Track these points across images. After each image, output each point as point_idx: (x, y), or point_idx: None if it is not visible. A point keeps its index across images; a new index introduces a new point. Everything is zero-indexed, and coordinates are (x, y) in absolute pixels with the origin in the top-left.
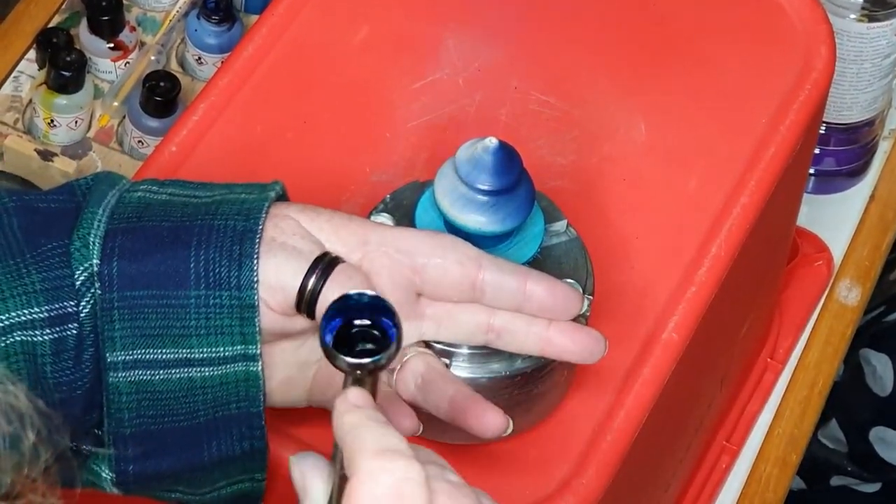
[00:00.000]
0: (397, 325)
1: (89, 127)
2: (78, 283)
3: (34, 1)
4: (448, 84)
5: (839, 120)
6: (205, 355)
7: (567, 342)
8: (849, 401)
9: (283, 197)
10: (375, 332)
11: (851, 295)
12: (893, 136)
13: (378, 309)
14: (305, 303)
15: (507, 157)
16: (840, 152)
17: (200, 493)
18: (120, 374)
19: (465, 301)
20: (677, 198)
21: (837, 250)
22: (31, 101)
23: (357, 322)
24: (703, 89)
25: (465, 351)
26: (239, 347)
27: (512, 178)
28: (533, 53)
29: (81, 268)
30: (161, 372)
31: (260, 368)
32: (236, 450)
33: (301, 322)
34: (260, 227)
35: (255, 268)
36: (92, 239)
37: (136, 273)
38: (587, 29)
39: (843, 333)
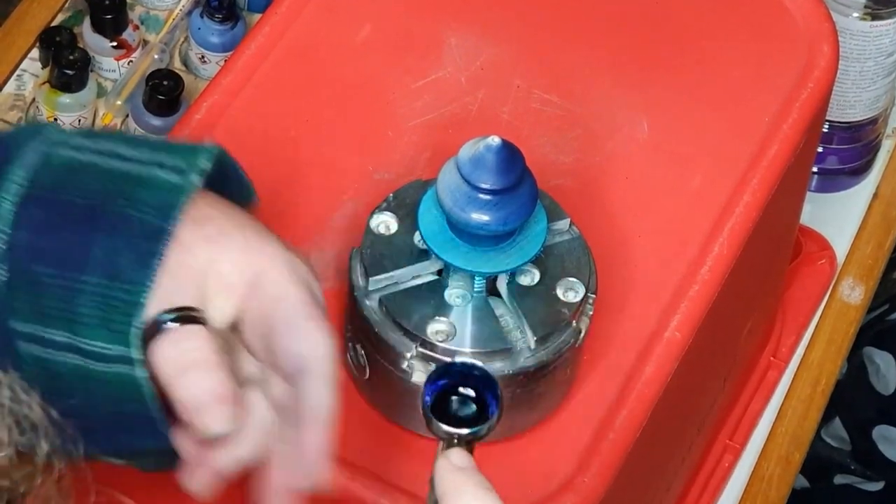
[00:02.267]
0: (499, 398)
1: (92, 125)
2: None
3: (35, 3)
4: (450, 82)
5: (842, 118)
6: (93, 348)
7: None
8: (852, 399)
9: (224, 161)
10: (473, 401)
11: (854, 293)
12: None
13: (481, 379)
14: (142, 346)
15: (510, 156)
16: (843, 151)
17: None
18: (22, 345)
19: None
20: (680, 196)
21: (840, 249)
22: (34, 99)
23: (460, 389)
24: (706, 88)
25: (467, 350)
26: (121, 348)
27: (514, 176)
28: (535, 52)
29: (3, 235)
30: (56, 353)
31: (141, 375)
32: (145, 445)
33: None
34: (170, 229)
35: (156, 271)
36: (8, 205)
37: (42, 247)
38: (590, 27)
39: (846, 332)
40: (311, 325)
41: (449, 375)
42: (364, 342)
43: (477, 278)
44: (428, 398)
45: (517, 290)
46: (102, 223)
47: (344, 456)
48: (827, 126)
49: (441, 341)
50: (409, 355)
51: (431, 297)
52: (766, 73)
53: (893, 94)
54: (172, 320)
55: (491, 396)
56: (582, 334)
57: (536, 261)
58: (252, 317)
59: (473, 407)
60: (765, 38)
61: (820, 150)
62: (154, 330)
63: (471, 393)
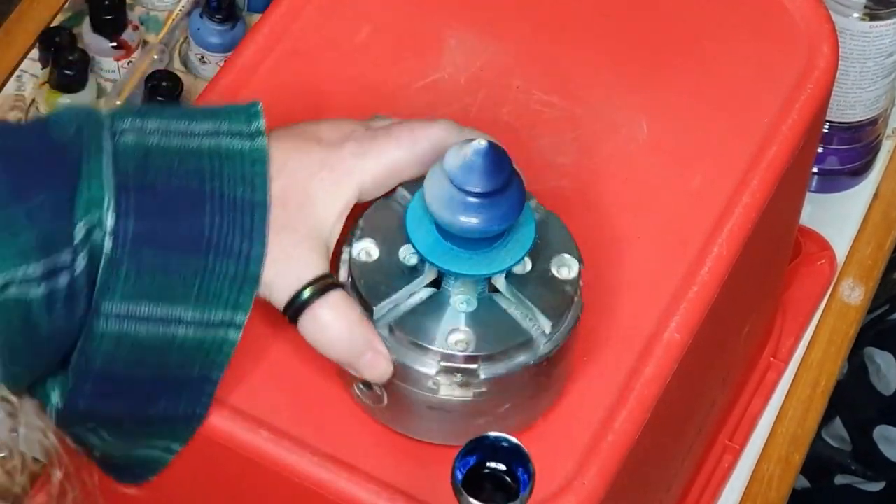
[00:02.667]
0: (531, 475)
1: None
2: (78, 237)
3: (37, 0)
4: (450, 84)
5: (842, 119)
6: (195, 318)
7: None
8: (852, 399)
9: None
10: (506, 476)
11: (854, 294)
12: None
13: (514, 454)
14: (291, 315)
15: (498, 158)
16: (843, 151)
17: (119, 445)
18: (111, 324)
19: None
20: (680, 197)
21: (840, 249)
22: (34, 100)
23: (491, 465)
24: (706, 88)
25: (486, 352)
26: (229, 313)
27: (502, 178)
28: (535, 53)
29: (84, 220)
30: (150, 326)
31: (238, 337)
32: (179, 411)
33: None
34: (267, 199)
35: (265, 241)
36: (105, 194)
37: (149, 232)
38: (589, 28)
39: (846, 332)
40: None
41: (480, 450)
42: None
43: (479, 280)
44: (459, 473)
45: (516, 281)
46: (205, 204)
47: (339, 457)
48: (827, 126)
49: (462, 351)
50: (434, 372)
51: (437, 309)
52: (765, 74)
53: (893, 94)
54: (311, 294)
55: (522, 471)
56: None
57: (516, 276)
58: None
59: (504, 475)
60: (764, 38)
61: (820, 150)
62: (293, 302)
63: (501, 467)
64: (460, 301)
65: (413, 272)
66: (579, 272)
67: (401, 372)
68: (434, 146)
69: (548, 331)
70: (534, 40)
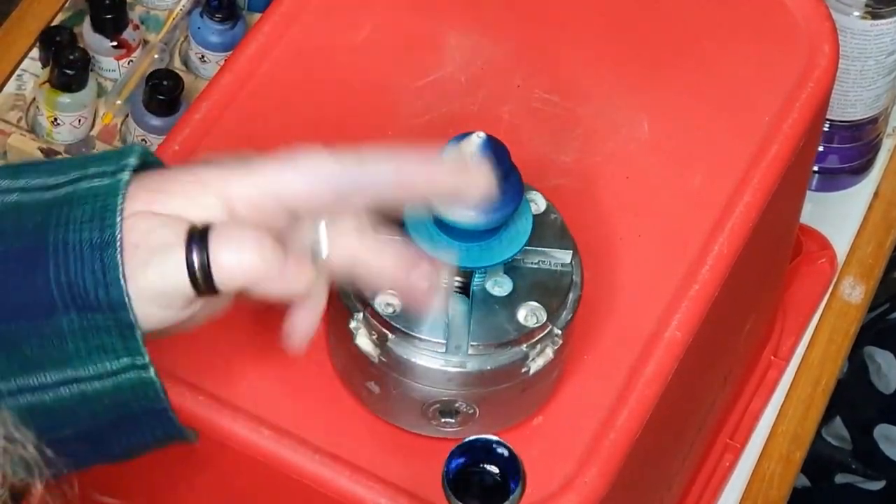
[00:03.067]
0: (521, 475)
1: (93, 125)
2: None
3: (34, 4)
4: (451, 82)
5: (843, 117)
6: (92, 372)
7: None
8: (853, 398)
9: (148, 161)
10: (497, 477)
11: (855, 293)
12: None
13: (504, 457)
14: (203, 282)
15: (496, 152)
16: (843, 150)
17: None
18: (8, 401)
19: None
20: (680, 196)
21: (841, 248)
22: (34, 99)
23: (482, 465)
24: (707, 87)
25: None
26: (126, 360)
27: (501, 172)
28: (536, 51)
29: None
30: (50, 392)
31: (153, 373)
32: (148, 438)
33: (209, 298)
34: (118, 235)
35: (123, 283)
36: None
37: (1, 304)
38: (590, 27)
39: (846, 331)
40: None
41: (471, 452)
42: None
43: (476, 274)
44: (449, 474)
45: (482, 296)
46: (48, 261)
47: (341, 455)
48: (827, 125)
49: (388, 314)
50: (358, 317)
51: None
52: (766, 73)
53: (894, 93)
54: (199, 258)
55: (513, 473)
56: (533, 366)
57: (516, 275)
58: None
59: (495, 479)
60: (765, 37)
61: (820, 149)
62: (198, 280)
63: (493, 469)
64: (496, 286)
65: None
66: (573, 261)
67: (411, 370)
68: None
69: (569, 260)
70: (534, 39)
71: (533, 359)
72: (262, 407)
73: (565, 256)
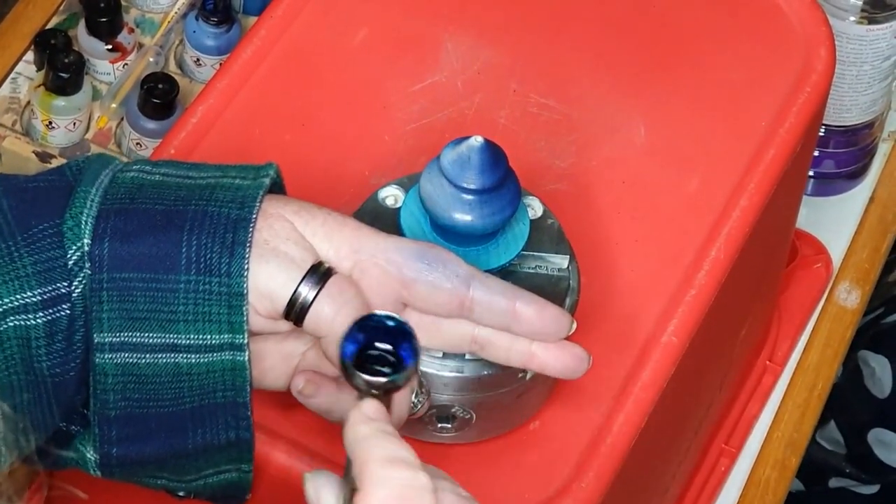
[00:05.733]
0: (415, 350)
1: (87, 129)
2: (70, 262)
3: (32, 2)
4: (447, 86)
5: (839, 122)
6: (191, 342)
7: (550, 359)
8: (847, 402)
9: (277, 182)
10: (392, 357)
11: (851, 297)
12: (893, 138)
13: (398, 333)
14: (295, 313)
15: (493, 156)
16: (839, 154)
17: (186, 480)
18: (106, 356)
19: (453, 317)
20: (677, 200)
21: (837, 253)
22: (29, 102)
23: (377, 345)
24: (703, 92)
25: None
26: (226, 336)
27: (498, 176)
28: (532, 56)
29: (74, 247)
30: (147, 356)
31: (247, 358)
32: (221, 438)
33: (286, 325)
34: (254, 216)
35: (247, 256)
36: (84, 218)
37: (126, 255)
38: (586, 31)
39: (842, 336)
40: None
41: (366, 330)
42: None
43: None
44: (347, 353)
45: (508, 277)
46: (185, 223)
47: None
48: (823, 130)
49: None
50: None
51: None
52: (762, 77)
53: (890, 97)
54: (311, 286)
55: (407, 347)
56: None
57: (513, 279)
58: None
59: (390, 358)
60: (762, 41)
61: (816, 153)
62: (295, 304)
63: (388, 347)
64: None
65: None
66: (570, 266)
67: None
68: None
69: (566, 265)
70: (531, 43)
71: None
72: (257, 410)
73: (562, 262)
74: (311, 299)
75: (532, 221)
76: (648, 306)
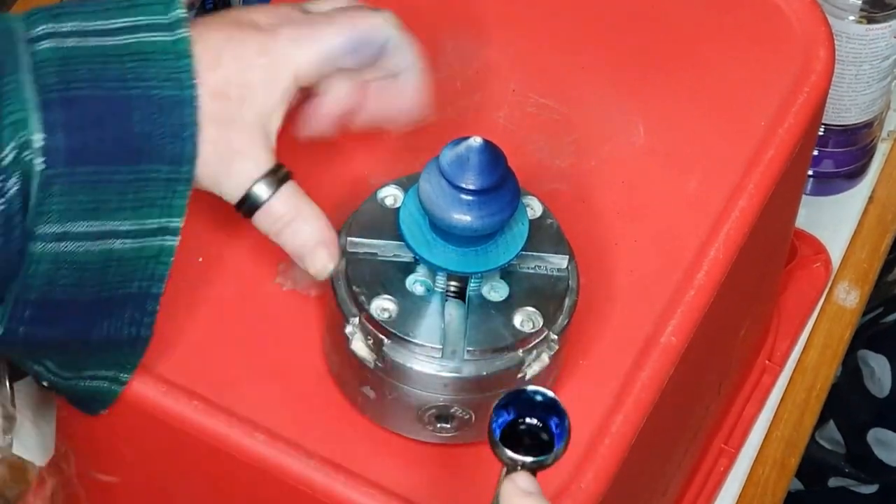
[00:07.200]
0: (565, 429)
1: None
2: (7, 160)
3: (32, 2)
4: (446, 86)
5: (838, 122)
6: (130, 227)
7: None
8: (847, 402)
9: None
10: (542, 432)
11: (850, 297)
12: (892, 137)
13: (548, 408)
14: (245, 209)
15: (492, 156)
16: (839, 154)
17: (65, 375)
18: (48, 246)
19: None
20: (676, 200)
21: (836, 252)
22: None
23: (527, 420)
24: (702, 92)
25: (473, 347)
26: (164, 219)
27: (497, 176)
28: (531, 56)
29: (11, 144)
30: (87, 243)
31: (175, 244)
32: (123, 333)
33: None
34: (194, 94)
35: (195, 140)
36: (29, 114)
37: (80, 148)
38: (585, 32)
39: (841, 336)
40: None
41: (518, 404)
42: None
43: (439, 275)
44: (497, 428)
45: (478, 301)
46: (131, 112)
47: (335, 460)
48: (822, 129)
49: (384, 319)
50: (353, 321)
51: (396, 276)
52: (762, 77)
53: (889, 97)
54: (264, 190)
55: (557, 424)
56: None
57: (512, 280)
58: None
59: (539, 432)
60: (761, 41)
61: (815, 153)
62: (247, 200)
63: (536, 422)
64: (492, 292)
65: (431, 298)
66: (569, 266)
67: (407, 375)
68: (373, 36)
69: (566, 265)
70: (530, 44)
71: (529, 364)
72: (256, 411)
73: (562, 262)
74: (266, 199)
75: (531, 221)
76: (648, 306)
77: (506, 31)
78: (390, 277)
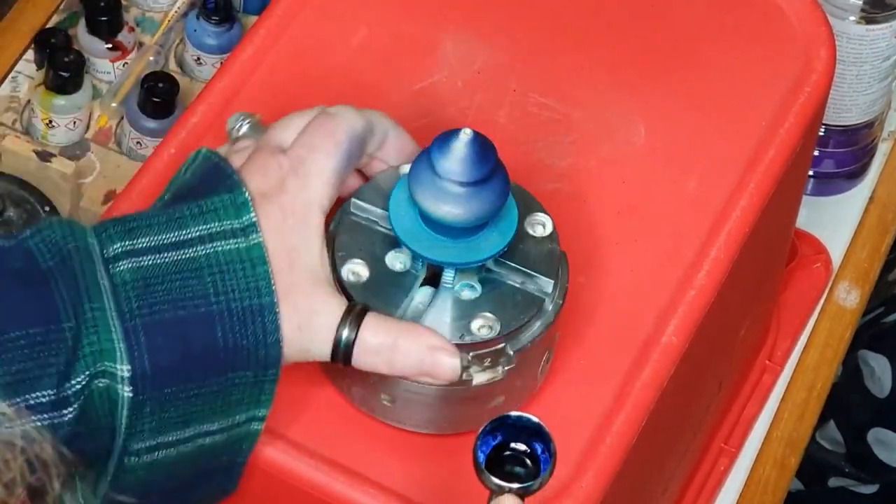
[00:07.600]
0: (552, 454)
1: (87, 128)
2: (73, 389)
3: (32, 1)
4: (447, 86)
5: (838, 122)
6: (220, 427)
7: None
8: (847, 402)
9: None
10: (527, 458)
11: (850, 297)
12: (892, 137)
13: (534, 433)
14: (342, 357)
15: (482, 149)
16: (839, 154)
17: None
18: (142, 458)
19: None
20: (676, 200)
21: (836, 252)
22: (29, 101)
23: (513, 445)
24: (703, 92)
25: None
26: (252, 412)
27: (487, 169)
28: (532, 55)
29: (83, 374)
30: (178, 448)
31: (262, 427)
32: (212, 491)
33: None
34: (274, 299)
35: (280, 340)
36: (116, 345)
37: (166, 371)
38: (586, 31)
39: (841, 336)
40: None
41: (503, 430)
42: None
43: (446, 271)
44: (481, 454)
45: (447, 294)
46: (212, 325)
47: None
48: (823, 129)
49: (489, 335)
50: (466, 365)
51: (444, 304)
52: (762, 77)
53: (889, 97)
54: (349, 334)
55: (543, 450)
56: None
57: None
58: None
59: (524, 456)
60: (761, 41)
61: (816, 153)
62: (338, 348)
63: (522, 447)
64: (465, 289)
65: (405, 277)
66: (555, 292)
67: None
68: (352, 138)
69: (549, 290)
70: (530, 43)
71: (479, 370)
72: None
73: (546, 285)
74: (352, 340)
75: (536, 238)
76: (648, 306)
77: (506, 31)
78: (373, 246)
